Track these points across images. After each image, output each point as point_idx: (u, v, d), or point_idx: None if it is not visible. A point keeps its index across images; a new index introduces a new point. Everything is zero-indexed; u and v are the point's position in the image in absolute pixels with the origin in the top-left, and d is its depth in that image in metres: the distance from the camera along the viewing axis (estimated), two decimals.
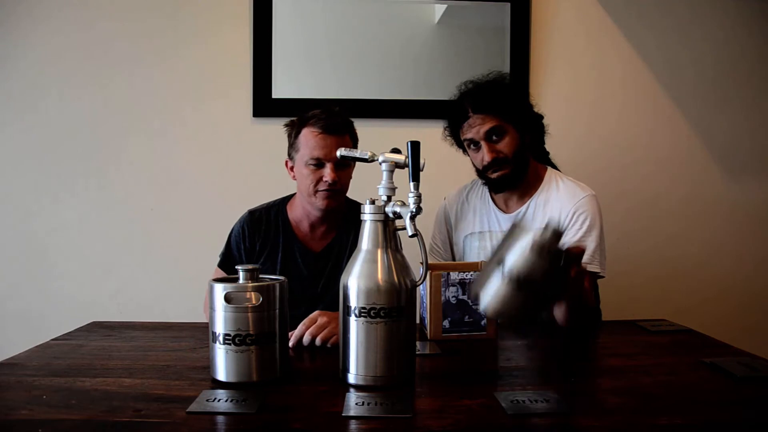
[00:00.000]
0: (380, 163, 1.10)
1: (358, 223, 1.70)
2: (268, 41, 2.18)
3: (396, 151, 1.12)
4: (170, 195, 2.21)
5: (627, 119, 2.30)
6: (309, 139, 1.57)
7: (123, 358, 1.22)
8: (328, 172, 1.56)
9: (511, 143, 1.58)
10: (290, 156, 1.65)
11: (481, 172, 1.64)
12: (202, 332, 1.41)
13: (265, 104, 2.18)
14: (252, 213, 1.71)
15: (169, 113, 2.20)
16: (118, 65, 2.18)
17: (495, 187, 1.65)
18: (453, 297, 1.39)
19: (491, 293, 0.94)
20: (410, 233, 1.04)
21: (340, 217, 1.69)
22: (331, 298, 1.41)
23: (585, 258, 1.54)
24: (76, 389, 1.02)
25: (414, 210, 1.04)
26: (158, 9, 2.18)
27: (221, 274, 1.67)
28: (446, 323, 1.38)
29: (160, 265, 2.21)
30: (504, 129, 1.58)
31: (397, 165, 1.10)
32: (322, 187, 1.58)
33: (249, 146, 2.20)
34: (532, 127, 1.66)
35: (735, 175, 2.34)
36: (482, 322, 1.39)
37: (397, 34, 2.23)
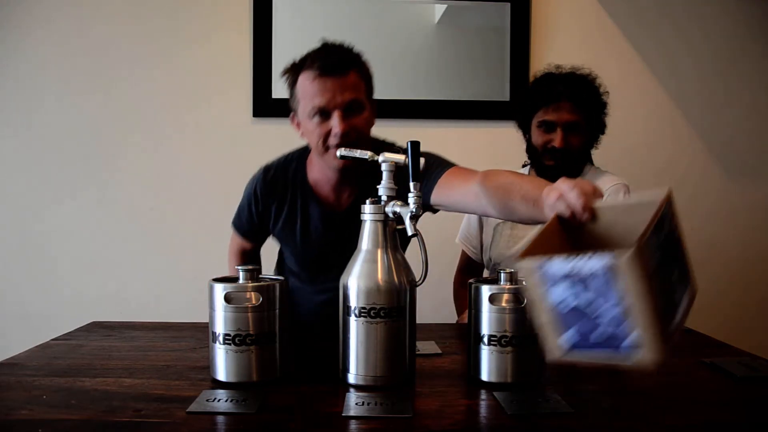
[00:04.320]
0: (380, 163, 1.10)
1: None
2: (268, 41, 2.18)
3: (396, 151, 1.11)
4: (170, 195, 2.21)
5: (626, 119, 2.30)
6: (306, 86, 1.32)
7: (123, 358, 1.22)
8: (336, 123, 1.30)
9: (581, 140, 1.68)
10: (293, 109, 1.42)
11: (538, 153, 1.69)
12: (202, 332, 1.41)
13: (265, 104, 2.18)
14: (266, 171, 1.50)
15: (170, 113, 2.20)
16: (119, 66, 2.18)
17: (542, 173, 1.70)
18: (563, 303, 0.75)
19: None
20: (410, 233, 1.04)
21: (366, 169, 1.26)
22: None
23: None
24: (76, 389, 1.02)
25: (414, 210, 1.04)
26: (158, 10, 2.18)
27: (237, 238, 1.63)
28: (570, 337, 0.76)
29: (160, 265, 2.21)
30: (583, 126, 1.67)
31: (397, 165, 1.10)
32: (333, 141, 1.32)
33: (249, 146, 2.20)
34: (598, 134, 1.77)
35: (735, 175, 2.34)
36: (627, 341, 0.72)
37: (397, 34, 2.22)
